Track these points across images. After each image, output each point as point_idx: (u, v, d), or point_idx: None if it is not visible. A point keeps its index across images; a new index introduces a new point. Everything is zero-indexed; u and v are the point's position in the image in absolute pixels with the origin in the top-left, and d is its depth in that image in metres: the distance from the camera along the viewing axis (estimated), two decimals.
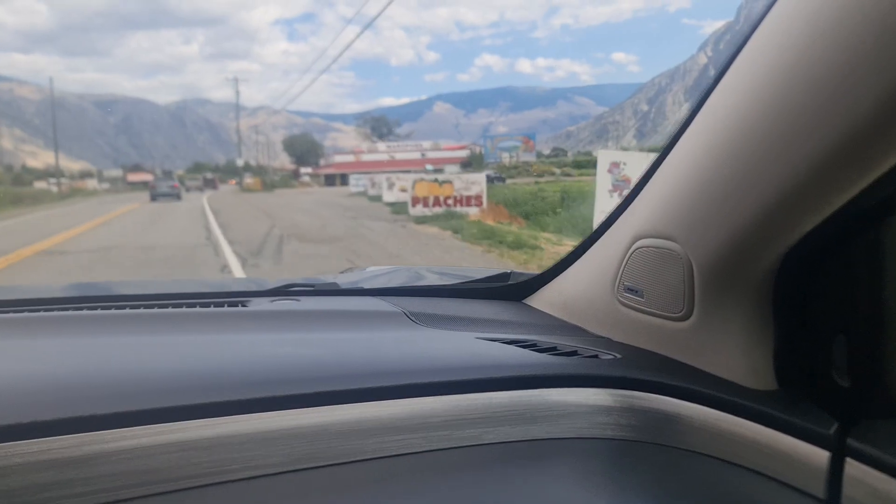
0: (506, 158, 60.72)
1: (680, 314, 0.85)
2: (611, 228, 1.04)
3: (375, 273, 1.66)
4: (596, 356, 0.92)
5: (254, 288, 1.37)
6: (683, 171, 0.81)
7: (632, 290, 0.94)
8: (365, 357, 0.89)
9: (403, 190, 25.75)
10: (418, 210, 18.30)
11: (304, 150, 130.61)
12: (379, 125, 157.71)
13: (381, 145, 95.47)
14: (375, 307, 1.20)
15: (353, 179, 42.87)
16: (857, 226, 0.68)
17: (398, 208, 22.22)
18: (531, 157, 61.04)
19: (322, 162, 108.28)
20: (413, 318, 1.13)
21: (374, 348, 0.95)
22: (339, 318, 1.13)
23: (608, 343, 0.99)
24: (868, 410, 0.68)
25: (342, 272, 1.79)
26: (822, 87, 0.59)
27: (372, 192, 33.92)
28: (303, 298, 1.28)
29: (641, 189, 0.95)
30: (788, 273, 0.75)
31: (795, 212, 0.67)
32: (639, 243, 0.92)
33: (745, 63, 0.71)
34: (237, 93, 76.34)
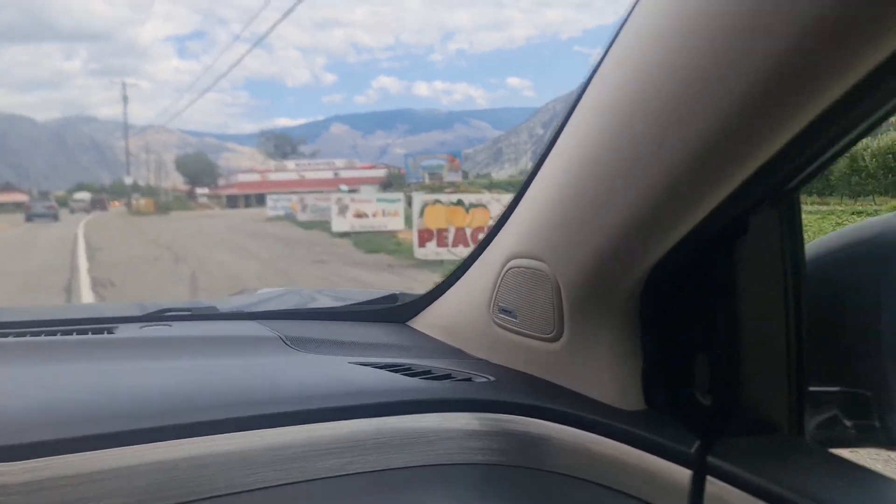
0: (428, 178, 54.86)
1: (551, 335, 0.85)
2: (487, 248, 1.01)
3: (265, 296, 1.61)
4: (469, 379, 0.90)
5: (125, 313, 1.29)
6: (549, 190, 0.81)
7: (506, 312, 0.93)
8: (226, 386, 0.84)
9: (360, 216, 18.86)
10: (430, 251, 11.35)
11: (199, 169, 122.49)
12: (282, 143, 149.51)
13: (290, 163, 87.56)
14: (252, 332, 1.14)
15: (270, 200, 35.39)
16: (711, 247, 0.70)
17: (367, 243, 15.29)
18: (457, 177, 55.03)
19: (222, 182, 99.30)
20: (289, 343, 1.08)
21: (239, 376, 0.90)
22: (211, 344, 1.07)
23: (485, 366, 0.97)
24: (728, 428, 0.70)
25: (234, 294, 1.73)
26: (666, 112, 0.60)
27: (303, 216, 26.63)
28: (176, 324, 1.22)
29: (514, 208, 0.93)
30: (653, 293, 0.76)
31: (651, 233, 0.69)
32: (511, 263, 0.91)
33: (599, 87, 0.72)
34: (125, 97, 66.73)
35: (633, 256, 0.72)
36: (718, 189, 0.62)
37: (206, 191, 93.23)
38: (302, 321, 1.26)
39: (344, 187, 56.31)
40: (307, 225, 24.40)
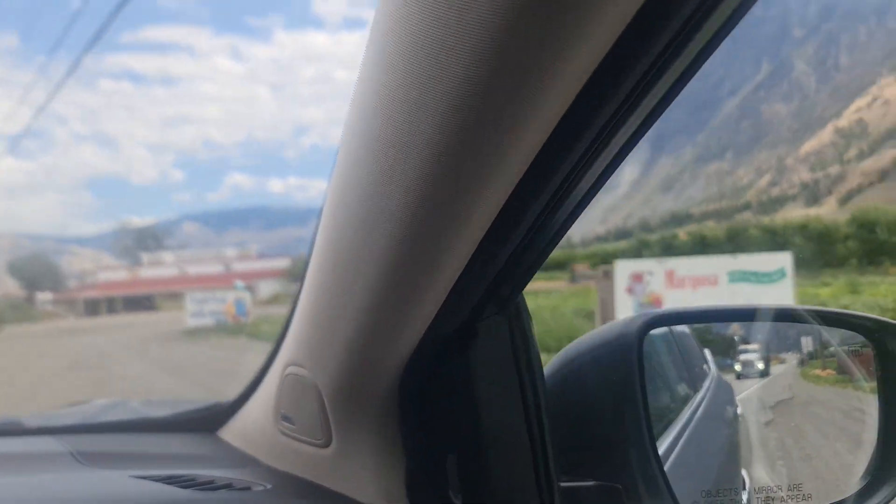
0: None
1: (321, 441, 0.83)
2: (277, 353, 0.99)
3: (90, 408, 1.59)
4: (248, 488, 0.88)
5: None
6: (305, 296, 0.81)
7: (286, 419, 0.92)
8: None
9: None
10: None
11: (37, 272, 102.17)
12: (144, 237, 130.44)
13: (168, 256, 71.15)
14: (45, 448, 1.12)
15: (193, 302, 21.25)
16: (450, 352, 0.72)
17: None
18: None
19: (75, 284, 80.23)
20: (79, 459, 1.05)
21: (6, 497, 0.86)
22: None
23: (270, 474, 0.95)
24: None
25: (71, 404, 1.74)
26: (357, 226, 0.62)
27: None
28: None
29: (293, 313, 0.91)
30: (407, 397, 0.77)
31: (386, 337, 0.69)
32: (287, 370, 0.90)
33: (329, 196, 0.72)
34: None
35: (377, 360, 0.72)
36: (427, 295, 0.63)
37: (49, 296, 74.53)
38: (109, 434, 1.24)
39: (240, 283, 42.59)
40: None
